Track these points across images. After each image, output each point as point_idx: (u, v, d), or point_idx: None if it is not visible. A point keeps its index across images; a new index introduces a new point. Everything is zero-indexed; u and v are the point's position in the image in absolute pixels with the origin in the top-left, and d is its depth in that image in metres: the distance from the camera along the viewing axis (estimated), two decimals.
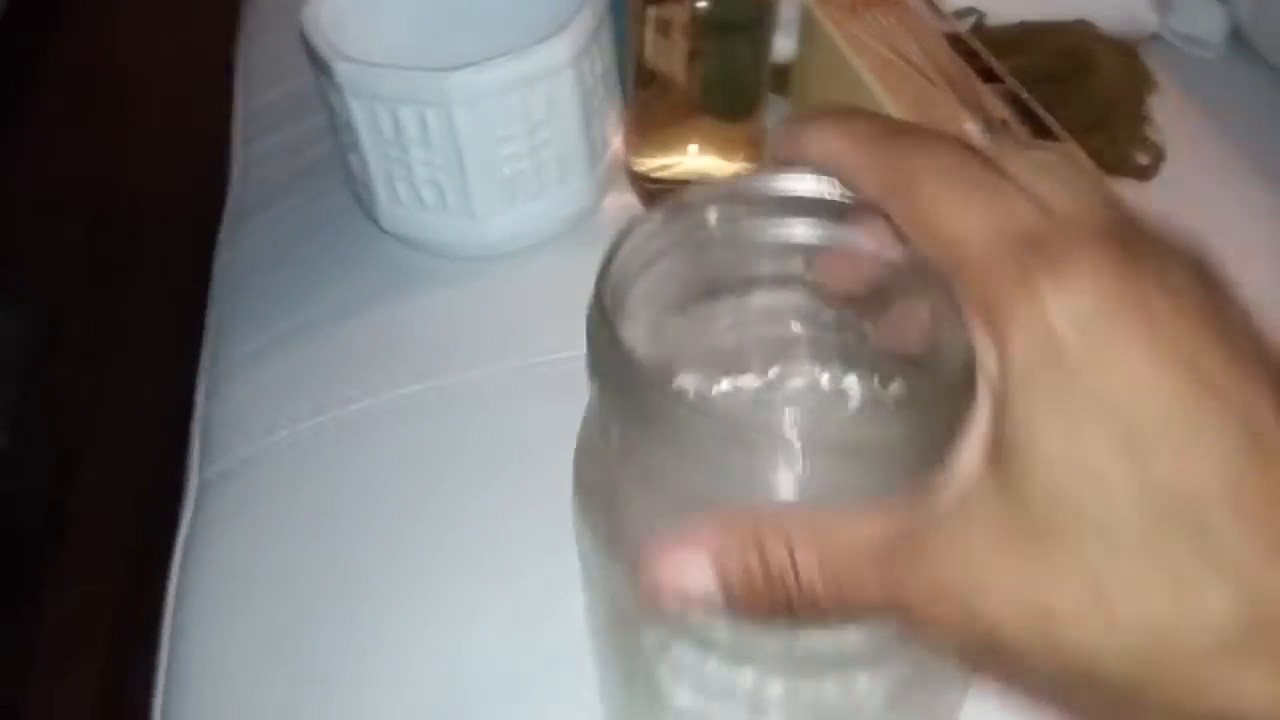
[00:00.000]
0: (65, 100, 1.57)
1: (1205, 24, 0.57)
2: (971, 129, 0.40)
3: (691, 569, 0.18)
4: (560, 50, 0.40)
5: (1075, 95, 0.47)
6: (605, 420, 0.20)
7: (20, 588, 1.00)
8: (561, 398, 0.39)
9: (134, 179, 1.42)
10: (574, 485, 0.22)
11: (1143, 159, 0.48)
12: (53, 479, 1.08)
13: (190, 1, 1.63)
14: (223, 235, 0.52)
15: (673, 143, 0.45)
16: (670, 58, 0.42)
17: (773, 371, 0.25)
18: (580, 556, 0.23)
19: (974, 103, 0.40)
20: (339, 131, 0.44)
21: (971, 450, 0.16)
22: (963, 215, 0.16)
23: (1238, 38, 0.57)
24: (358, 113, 0.41)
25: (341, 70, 0.40)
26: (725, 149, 0.45)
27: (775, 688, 0.24)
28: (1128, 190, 0.46)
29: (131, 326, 1.22)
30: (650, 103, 0.44)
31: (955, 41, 0.43)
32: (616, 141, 0.47)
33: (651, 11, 0.41)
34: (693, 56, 0.42)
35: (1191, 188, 0.47)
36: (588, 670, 0.31)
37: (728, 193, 0.21)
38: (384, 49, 0.43)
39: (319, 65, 0.42)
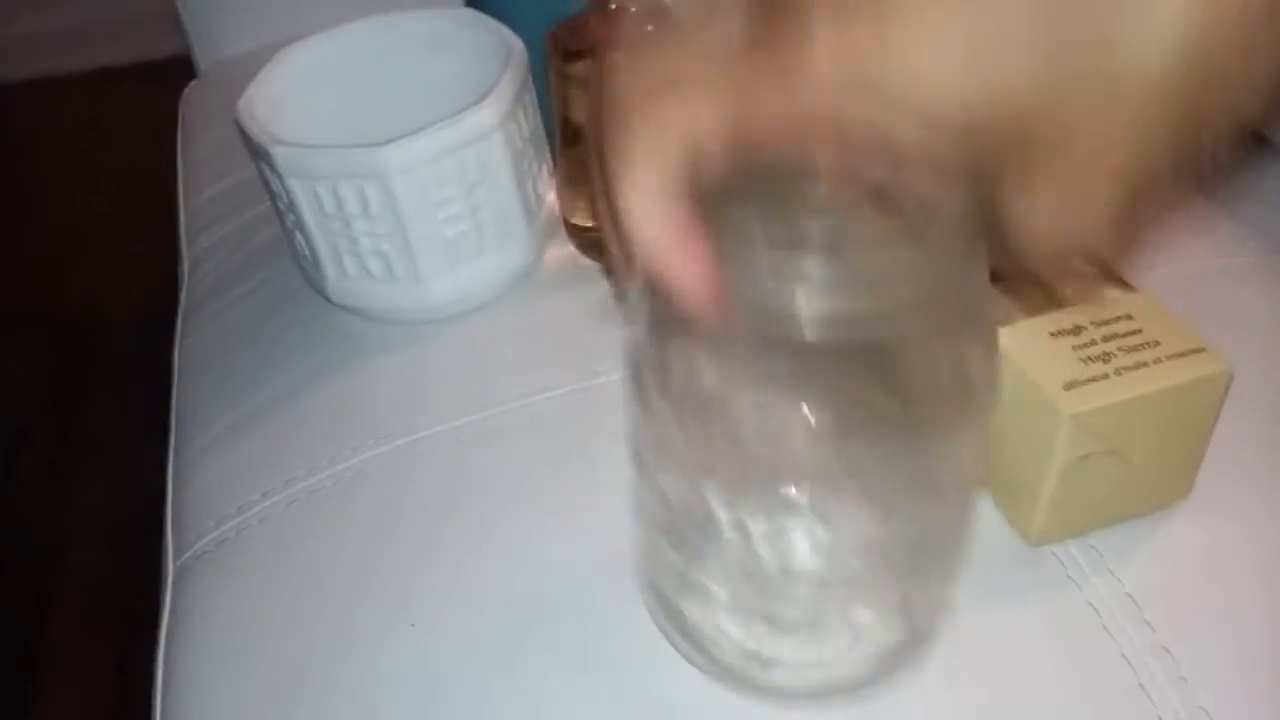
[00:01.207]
0: (8, 219, 1.57)
1: None
2: None
3: None
4: (487, 115, 0.42)
5: None
6: None
7: (4, 709, 0.98)
8: (519, 443, 0.40)
9: (85, 288, 1.43)
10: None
11: None
12: (28, 595, 1.06)
13: (126, 109, 1.65)
14: (179, 328, 0.53)
15: None
16: None
17: None
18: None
19: None
20: (283, 214, 0.45)
21: None
22: None
23: None
24: (299, 193, 0.43)
25: (279, 154, 0.42)
26: None
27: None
28: None
29: (93, 439, 1.21)
30: (578, 157, 0.46)
31: None
32: (551, 196, 0.49)
33: (571, 69, 0.43)
34: None
35: None
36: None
37: None
38: (319, 130, 0.45)
39: (257, 152, 0.43)
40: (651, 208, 0.21)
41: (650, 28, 0.22)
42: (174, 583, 0.42)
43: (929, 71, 0.19)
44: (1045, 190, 0.20)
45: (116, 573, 1.05)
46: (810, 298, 0.22)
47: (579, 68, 0.43)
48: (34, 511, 1.15)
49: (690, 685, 0.32)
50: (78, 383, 1.29)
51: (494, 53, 0.46)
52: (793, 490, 0.26)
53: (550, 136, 0.48)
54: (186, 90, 0.75)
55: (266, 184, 0.45)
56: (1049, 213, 0.20)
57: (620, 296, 0.44)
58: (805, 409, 0.25)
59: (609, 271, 0.41)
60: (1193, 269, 0.45)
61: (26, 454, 1.21)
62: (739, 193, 0.22)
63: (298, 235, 0.45)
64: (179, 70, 0.79)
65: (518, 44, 0.46)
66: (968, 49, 0.18)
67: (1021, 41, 0.18)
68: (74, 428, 1.23)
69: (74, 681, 0.99)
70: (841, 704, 0.31)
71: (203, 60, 0.78)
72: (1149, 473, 0.34)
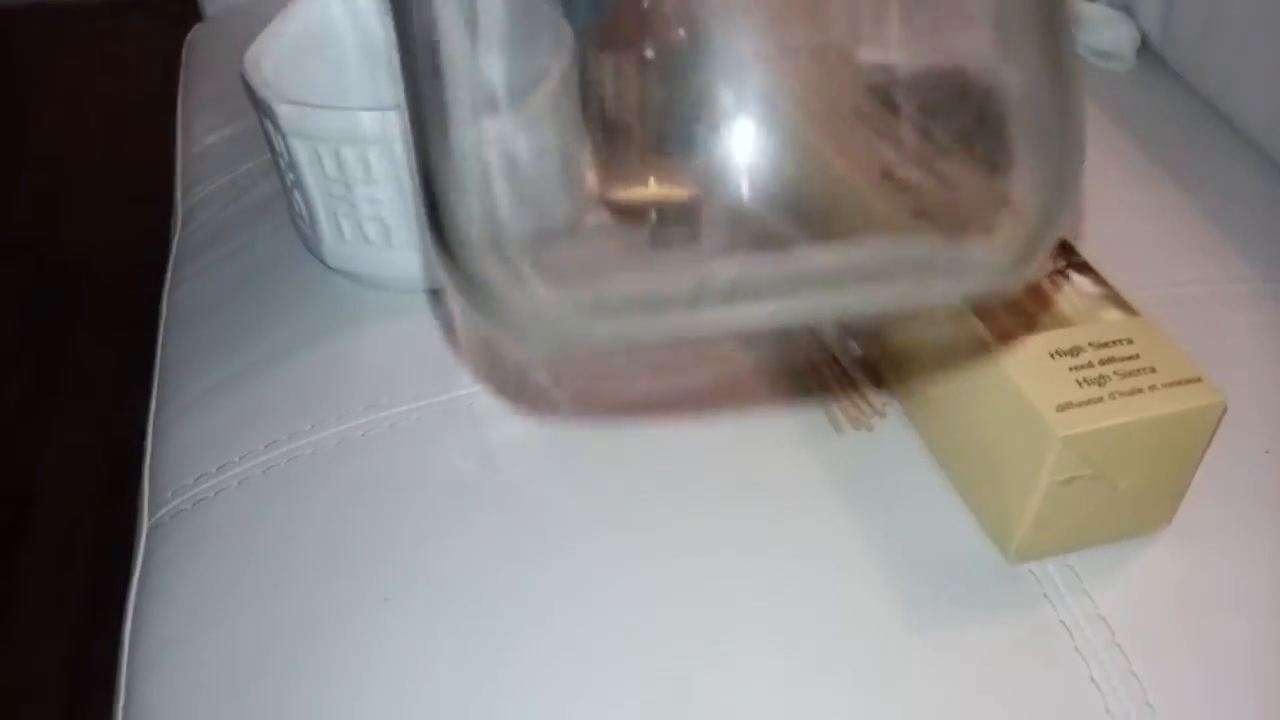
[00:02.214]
0: (2, 151, 1.55)
1: (1117, 39, 0.60)
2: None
3: None
4: None
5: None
6: None
7: None
8: (511, 422, 0.40)
9: (76, 226, 1.41)
10: None
11: None
12: None
13: (129, 45, 1.63)
14: (169, 278, 0.53)
15: None
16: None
17: None
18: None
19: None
20: (282, 172, 0.45)
21: None
22: None
23: (1146, 50, 0.60)
24: (300, 153, 0.42)
25: (284, 112, 0.41)
26: None
27: None
28: None
29: (73, 380, 1.20)
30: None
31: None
32: None
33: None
34: None
35: (1105, 193, 0.49)
36: (544, 695, 0.32)
37: None
38: (325, 89, 0.44)
39: (261, 108, 0.42)
40: None
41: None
42: (147, 537, 0.42)
43: None
44: None
45: (89, 515, 1.05)
46: None
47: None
48: (7, 447, 1.14)
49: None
50: (61, 320, 1.28)
51: None
52: None
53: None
54: (191, 34, 0.74)
55: (268, 140, 0.44)
56: None
57: None
58: None
59: None
60: (1195, 292, 0.45)
61: (4, 388, 1.21)
62: None
63: (296, 195, 0.45)
64: (186, 7, 0.78)
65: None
66: None
67: None
68: (54, 365, 1.22)
69: (39, 621, 0.99)
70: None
71: (209, 2, 0.77)
72: (1133, 498, 0.34)
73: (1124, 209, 0.49)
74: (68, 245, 1.39)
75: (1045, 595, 0.34)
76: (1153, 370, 0.32)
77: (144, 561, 0.41)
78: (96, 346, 1.23)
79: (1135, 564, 0.35)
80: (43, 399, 1.19)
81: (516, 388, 0.41)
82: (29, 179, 1.49)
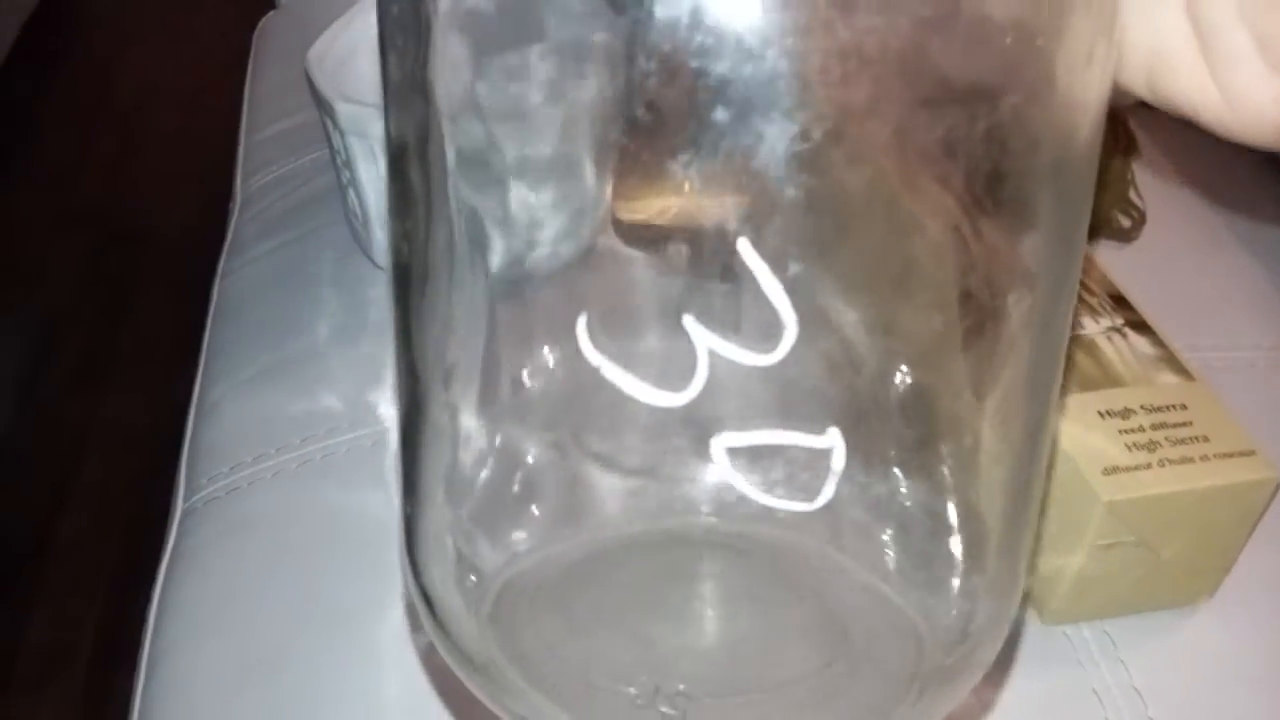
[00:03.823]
0: (76, 121, 1.59)
1: None
2: None
3: None
4: None
5: None
6: None
7: (3, 605, 0.99)
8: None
9: (140, 203, 1.44)
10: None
11: (1125, 221, 0.49)
12: (40, 498, 1.08)
13: (199, 30, 1.66)
14: (222, 266, 0.53)
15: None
16: None
17: None
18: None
19: None
20: (339, 169, 0.45)
21: None
22: None
23: None
24: (358, 152, 0.42)
25: (343, 111, 0.41)
26: None
27: None
28: (1109, 252, 0.47)
29: (128, 349, 1.23)
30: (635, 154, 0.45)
31: None
32: (608, 189, 0.48)
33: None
34: None
35: (1171, 250, 0.48)
36: None
37: None
38: None
39: (321, 105, 0.43)
40: None
41: None
42: (180, 521, 0.42)
43: None
44: None
45: (133, 484, 1.07)
46: None
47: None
48: (61, 411, 1.17)
49: None
50: (117, 290, 1.30)
51: None
52: None
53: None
54: (262, 22, 0.75)
55: (327, 136, 0.45)
56: None
57: None
58: None
59: None
60: (1255, 359, 0.43)
61: (59, 351, 1.23)
62: None
63: (351, 193, 0.45)
64: None
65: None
66: None
67: None
68: (112, 335, 1.25)
69: (74, 586, 1.01)
70: None
71: None
72: (1177, 568, 0.33)
73: (1188, 268, 0.48)
74: (132, 217, 1.42)
75: (1079, 660, 0.33)
76: (1205, 439, 0.31)
77: (174, 545, 0.41)
78: (153, 319, 1.25)
79: (1175, 635, 0.34)
80: (99, 364, 1.21)
81: None
82: (99, 151, 1.52)
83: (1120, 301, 0.36)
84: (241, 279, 0.51)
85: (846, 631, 0.22)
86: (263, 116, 0.64)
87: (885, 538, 0.22)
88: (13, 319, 1.28)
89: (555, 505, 0.23)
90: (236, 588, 0.38)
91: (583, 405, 0.21)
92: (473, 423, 0.22)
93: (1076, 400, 0.32)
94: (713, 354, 0.17)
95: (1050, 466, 0.22)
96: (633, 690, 0.20)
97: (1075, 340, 0.34)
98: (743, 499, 0.19)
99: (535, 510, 0.22)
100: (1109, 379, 0.33)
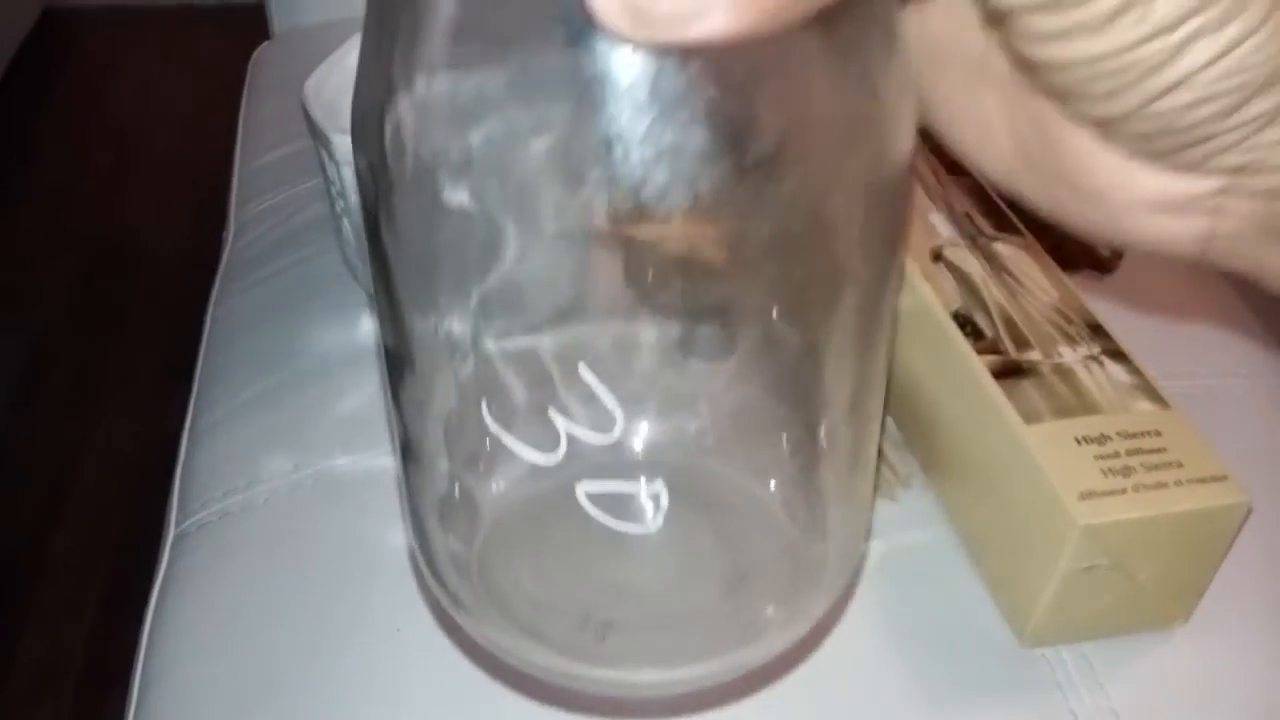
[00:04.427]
0: (71, 143, 1.59)
1: None
2: (937, 219, 0.41)
3: None
4: None
5: None
6: None
7: None
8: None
9: (133, 225, 1.44)
10: None
11: (1103, 252, 0.50)
12: (31, 518, 1.08)
13: (198, 53, 1.67)
14: (216, 292, 0.54)
15: None
16: None
17: None
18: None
19: (939, 195, 0.42)
20: (333, 199, 0.46)
21: None
22: None
23: None
24: (351, 183, 0.43)
25: (339, 143, 0.42)
26: None
27: None
28: (1087, 283, 0.48)
29: (120, 371, 1.23)
30: None
31: (924, 136, 0.45)
32: None
33: None
34: None
35: (1148, 281, 0.49)
36: None
37: None
38: None
39: (317, 136, 0.44)
40: None
41: None
42: (172, 545, 0.42)
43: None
44: None
45: (123, 504, 1.07)
46: None
47: None
48: (52, 431, 1.17)
49: None
50: (110, 311, 1.31)
51: None
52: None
53: None
54: (257, 52, 0.76)
55: (321, 167, 0.45)
56: None
57: None
58: None
59: None
60: (1231, 386, 0.44)
61: (51, 371, 1.23)
62: None
63: (345, 222, 0.46)
64: (256, 21, 0.80)
65: None
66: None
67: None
68: (102, 356, 1.25)
69: (65, 605, 1.01)
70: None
71: (278, 21, 0.79)
72: (1152, 591, 0.33)
73: (1165, 298, 0.48)
74: (125, 240, 1.42)
75: (1057, 683, 0.34)
76: (1179, 465, 0.32)
77: (167, 568, 0.42)
78: (146, 340, 1.25)
79: (1151, 658, 0.34)
80: (91, 385, 1.21)
81: None
82: (93, 173, 1.53)
83: (1098, 330, 0.36)
84: (235, 305, 0.52)
85: (745, 574, 0.29)
86: (257, 145, 0.64)
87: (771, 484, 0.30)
88: (5, 339, 1.28)
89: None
90: (229, 612, 0.38)
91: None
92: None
93: (1054, 426, 0.33)
94: (569, 434, 0.25)
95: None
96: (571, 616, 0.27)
97: (1054, 368, 0.35)
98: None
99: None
100: (1086, 406, 0.34)
